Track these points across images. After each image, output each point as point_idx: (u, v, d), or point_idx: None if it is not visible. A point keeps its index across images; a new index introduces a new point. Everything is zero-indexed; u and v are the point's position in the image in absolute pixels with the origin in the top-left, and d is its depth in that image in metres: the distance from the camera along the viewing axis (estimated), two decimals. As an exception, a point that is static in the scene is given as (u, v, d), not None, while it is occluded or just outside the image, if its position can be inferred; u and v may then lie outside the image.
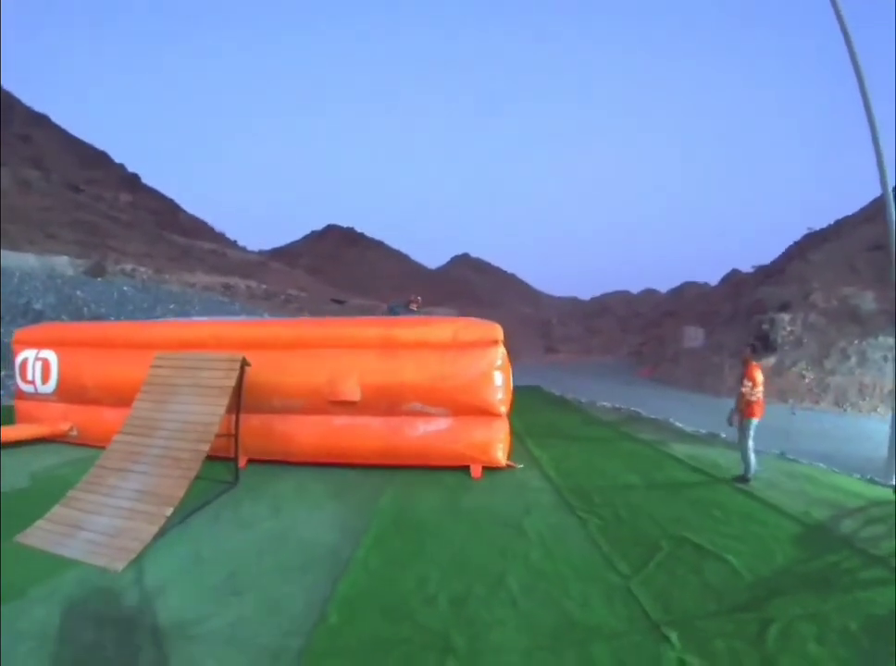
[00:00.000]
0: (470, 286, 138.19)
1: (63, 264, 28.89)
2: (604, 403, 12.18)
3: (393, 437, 6.75)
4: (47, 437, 7.73)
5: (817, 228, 47.37)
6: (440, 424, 6.78)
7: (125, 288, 24.78)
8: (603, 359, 61.12)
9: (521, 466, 6.92)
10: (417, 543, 4.70)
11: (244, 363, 6.23)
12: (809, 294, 33.50)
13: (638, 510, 5.50)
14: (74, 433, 7.76)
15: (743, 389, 6.65)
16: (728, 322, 38.21)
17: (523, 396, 13.31)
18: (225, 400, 5.90)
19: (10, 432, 7.54)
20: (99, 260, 34.64)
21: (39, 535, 4.71)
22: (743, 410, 6.69)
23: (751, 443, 6.62)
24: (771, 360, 31.00)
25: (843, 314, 31.54)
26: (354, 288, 56.00)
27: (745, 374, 6.75)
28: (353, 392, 6.65)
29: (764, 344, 31.67)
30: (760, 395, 6.67)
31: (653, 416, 10.68)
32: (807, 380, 29.28)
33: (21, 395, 8.19)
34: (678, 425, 10.07)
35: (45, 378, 7.89)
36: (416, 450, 6.73)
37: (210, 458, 5.88)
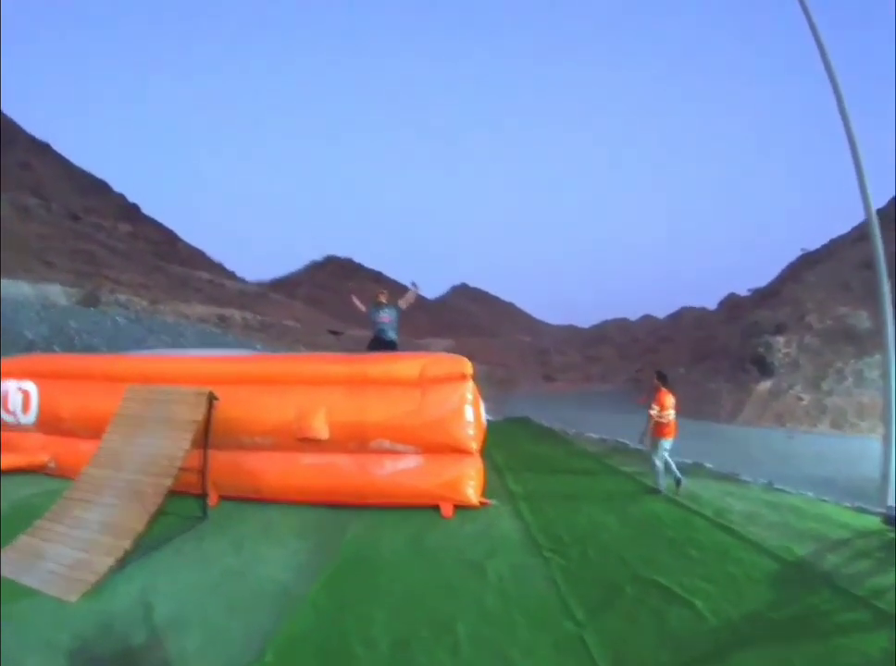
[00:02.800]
0: (469, 316, 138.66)
1: (56, 293, 28.96)
2: (591, 434, 11.98)
3: (361, 476, 6.56)
4: (26, 467, 7.68)
5: (811, 248, 47.54)
6: (408, 462, 6.60)
7: (118, 318, 24.83)
8: (601, 387, 60.68)
9: (495, 502, 6.65)
10: (371, 583, 4.55)
11: (212, 398, 6.17)
12: (804, 315, 33.41)
13: (608, 549, 5.24)
14: (52, 465, 7.71)
15: (651, 412, 7.33)
16: (724, 346, 38.08)
17: (509, 428, 13.17)
18: (191, 435, 5.84)
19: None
20: (93, 290, 34.68)
21: (4, 562, 4.76)
22: (654, 431, 7.35)
23: (658, 462, 7.35)
24: (767, 384, 30.79)
25: (838, 334, 31.36)
26: (351, 319, 55.89)
27: (655, 399, 7.38)
28: (321, 430, 6.50)
29: (760, 368, 31.53)
30: (670, 417, 7.35)
31: (638, 447, 10.54)
32: (804, 402, 28.98)
33: (4, 426, 8.18)
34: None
35: (26, 409, 7.90)
36: (384, 488, 6.53)
37: (182, 493, 5.88)
